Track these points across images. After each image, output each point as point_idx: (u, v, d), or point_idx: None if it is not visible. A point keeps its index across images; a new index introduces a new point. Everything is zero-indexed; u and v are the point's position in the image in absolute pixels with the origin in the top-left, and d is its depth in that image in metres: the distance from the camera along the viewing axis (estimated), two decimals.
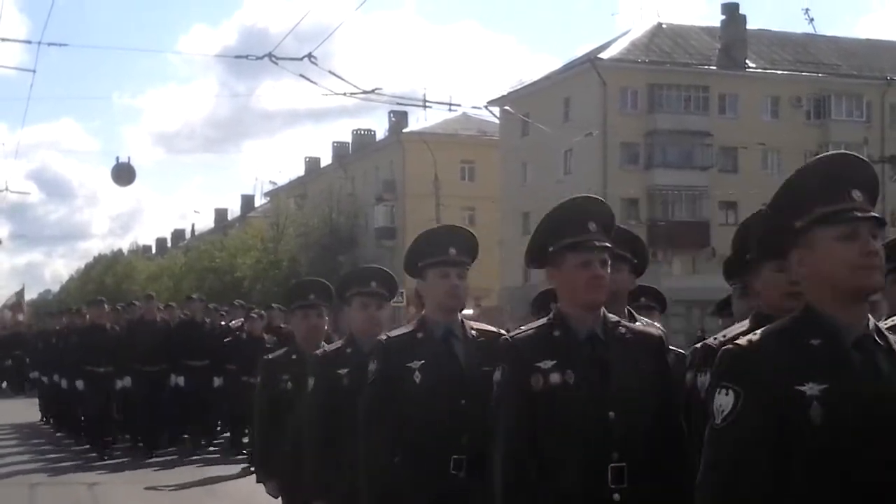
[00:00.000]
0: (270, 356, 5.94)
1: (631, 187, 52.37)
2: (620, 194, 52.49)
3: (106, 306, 16.15)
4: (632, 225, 53.51)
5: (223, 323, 16.03)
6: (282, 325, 15.46)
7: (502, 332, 4.43)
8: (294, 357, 5.82)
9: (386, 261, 65.96)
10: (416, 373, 4.25)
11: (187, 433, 15.54)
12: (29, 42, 48.23)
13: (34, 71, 23.27)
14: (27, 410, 22.20)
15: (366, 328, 5.23)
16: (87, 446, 15.68)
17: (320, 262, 63.16)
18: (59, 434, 18.33)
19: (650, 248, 60.20)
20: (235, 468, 13.81)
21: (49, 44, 21.74)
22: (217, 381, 14.63)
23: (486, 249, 66.06)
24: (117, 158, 35.63)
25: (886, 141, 56.09)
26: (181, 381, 14.73)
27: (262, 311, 15.12)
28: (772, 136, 53.93)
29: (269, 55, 20.83)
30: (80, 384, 14.77)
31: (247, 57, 21.97)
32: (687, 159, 53.55)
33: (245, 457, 13.91)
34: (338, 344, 5.36)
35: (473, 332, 4.44)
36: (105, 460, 14.61)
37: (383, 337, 4.52)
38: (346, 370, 4.98)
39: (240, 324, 15.30)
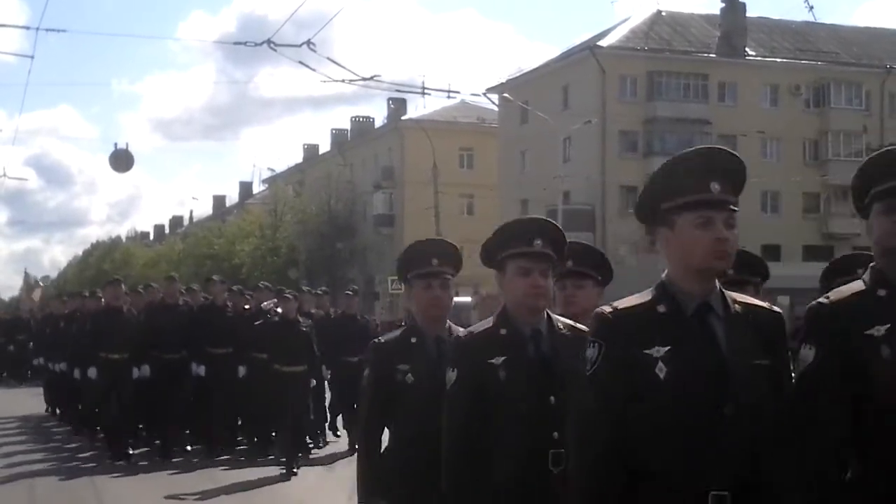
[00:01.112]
0: (382, 339, 4.83)
1: (629, 175, 52.26)
2: (619, 182, 52.50)
3: (123, 287, 14.45)
4: (631, 213, 53.46)
5: (247, 307, 14.34)
6: (312, 311, 14.63)
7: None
8: (414, 340, 4.70)
9: (384, 248, 66.06)
10: (500, 370, 3.92)
11: (210, 430, 13.89)
12: (27, 28, 48.29)
13: (32, 57, 23.27)
14: (30, 400, 20.84)
15: (430, 313, 4.74)
16: (99, 443, 14.30)
17: (318, 249, 63.19)
18: (67, 427, 16.83)
19: (649, 236, 59.86)
20: (267, 471, 12.41)
21: (47, 30, 21.80)
22: (242, 371, 13.28)
23: (485, 236, 66.19)
24: (115, 145, 35.63)
25: (885, 129, 56.06)
26: (202, 370, 13.32)
27: (295, 292, 13.81)
28: (771, 124, 53.89)
29: (268, 42, 20.78)
30: (92, 372, 13.24)
31: (245, 44, 21.93)
32: (686, 147, 51.85)
33: (274, 458, 12.92)
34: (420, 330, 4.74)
35: (561, 327, 4.17)
36: (120, 461, 13.02)
37: (462, 333, 4.20)
38: (406, 365, 4.57)
39: (271, 306, 13.79)
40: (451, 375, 3.93)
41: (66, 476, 12.42)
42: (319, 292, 16.17)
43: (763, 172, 53.19)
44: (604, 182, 52.10)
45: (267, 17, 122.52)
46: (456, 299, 12.03)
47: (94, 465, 13.17)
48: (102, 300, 14.69)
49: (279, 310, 13.14)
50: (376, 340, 4.74)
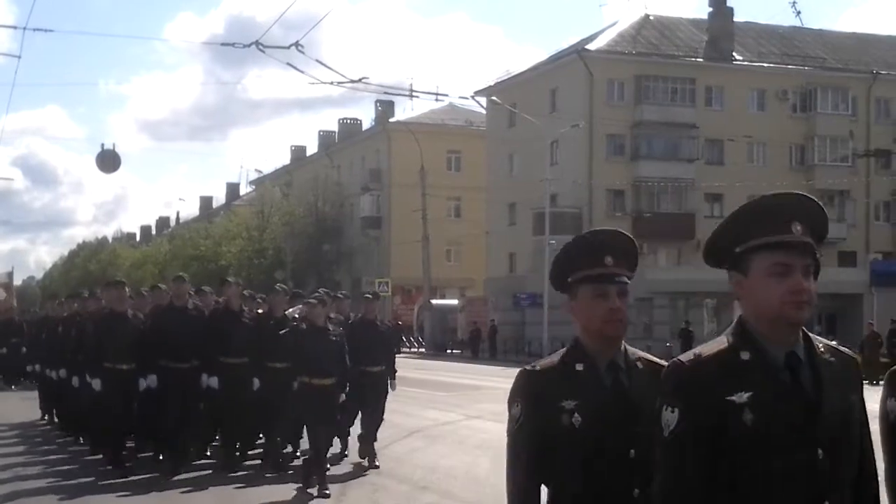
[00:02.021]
0: (537, 366, 3.53)
1: (617, 179, 52.42)
2: (606, 186, 52.59)
3: (127, 289, 12.94)
4: (617, 217, 53.68)
5: (260, 311, 13.00)
6: (331, 315, 12.75)
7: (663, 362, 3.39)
8: (580, 368, 3.48)
9: (371, 250, 66.08)
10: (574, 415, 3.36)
11: (222, 445, 12.73)
12: (14, 28, 48.31)
13: (19, 57, 23.30)
14: (22, 405, 19.64)
15: (606, 329, 3.48)
16: (100, 456, 12.80)
17: (305, 250, 63.16)
18: (66, 437, 15.41)
19: (635, 239, 59.73)
20: (283, 490, 11.13)
21: (34, 29, 21.76)
22: (256, 384, 12.00)
23: (472, 239, 65.36)
24: (102, 145, 35.45)
25: (872, 134, 56.32)
26: (214, 382, 12.01)
27: (324, 297, 11.89)
28: (758, 128, 54.08)
29: (256, 43, 20.82)
30: (96, 384, 11.90)
31: (234, 45, 21.97)
32: (673, 151, 53.61)
33: (293, 473, 11.71)
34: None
35: (638, 363, 3.56)
36: (125, 476, 11.64)
37: (685, 358, 3.02)
38: (572, 402, 3.39)
39: (297, 312, 12.40)
40: (671, 416, 2.89)
41: (67, 495, 10.88)
42: (340, 296, 14.80)
43: (749, 177, 53.39)
44: (591, 185, 52.18)
45: (255, 19, 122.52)
46: (441, 301, 11.74)
47: (93, 479, 11.81)
48: (103, 302, 13.64)
49: (296, 314, 12.08)
50: (528, 368, 3.54)
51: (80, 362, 13.10)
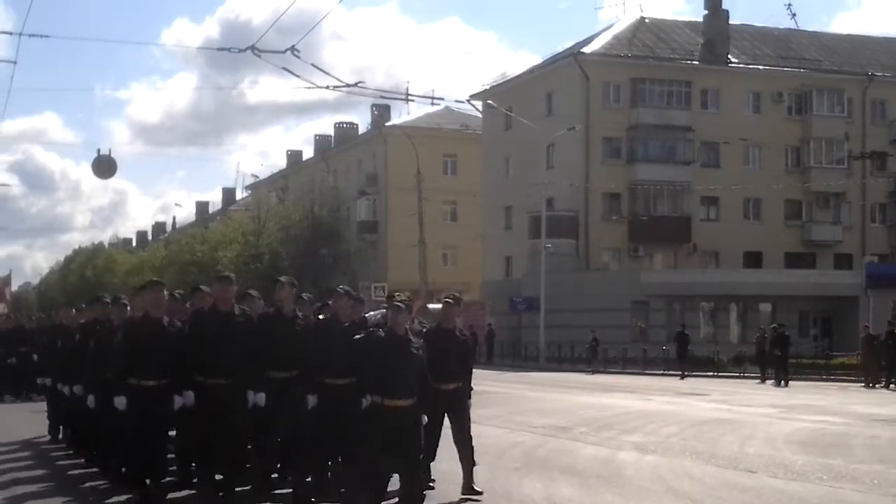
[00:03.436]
0: None
1: (613, 182, 52.43)
2: (602, 189, 52.61)
3: (165, 292, 10.85)
4: (613, 220, 53.73)
5: (321, 316, 11.09)
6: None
7: None
8: None
9: (368, 254, 66.02)
10: None
11: (272, 472, 10.92)
12: (10, 33, 47.99)
13: (15, 62, 23.24)
14: (31, 419, 18.14)
15: None
16: (124, 485, 10.80)
17: (302, 255, 63.04)
18: (71, 461, 13.53)
19: (631, 242, 60.52)
20: None
21: (31, 35, 21.71)
22: (312, 401, 10.10)
23: (468, 243, 65.42)
24: (98, 151, 35.29)
25: (867, 136, 56.39)
26: (261, 399, 10.23)
27: (408, 300, 10.18)
28: (753, 131, 54.14)
29: (252, 48, 20.80)
30: (120, 402, 9.98)
31: (229, 50, 21.94)
32: (669, 154, 53.62)
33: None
34: None
35: None
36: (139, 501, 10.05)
37: None
38: None
39: (378, 318, 10.91)
40: None
41: None
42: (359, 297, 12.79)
43: (745, 179, 53.50)
44: (587, 188, 52.19)
45: (251, 24, 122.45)
46: (438, 305, 11.13)
47: None
48: (128, 308, 11.97)
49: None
50: None
51: (100, 377, 11.44)
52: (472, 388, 10.96)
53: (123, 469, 10.85)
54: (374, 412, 9.08)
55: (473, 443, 10.70)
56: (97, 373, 11.61)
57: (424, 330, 10.92)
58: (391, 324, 9.35)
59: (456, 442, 10.77)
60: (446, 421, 10.61)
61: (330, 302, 10.99)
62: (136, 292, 11.85)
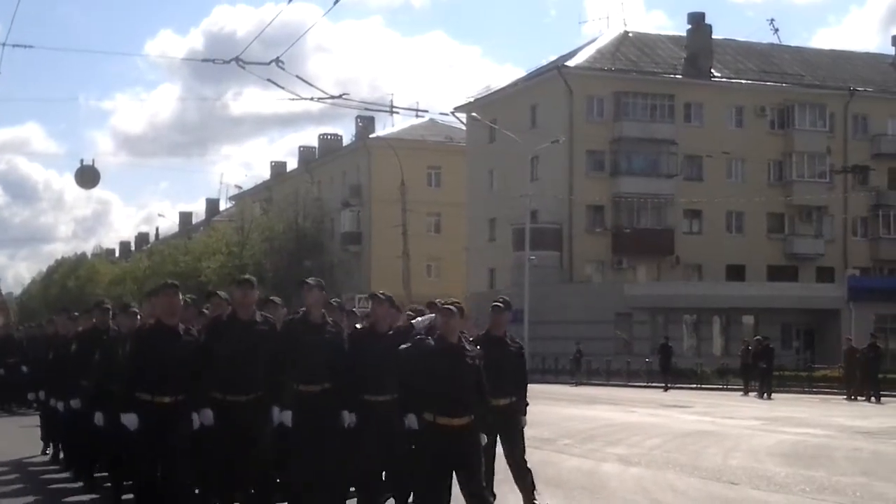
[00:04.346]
0: None
1: (596, 194, 52.58)
2: (586, 201, 52.76)
3: (181, 296, 9.45)
4: (597, 232, 53.86)
5: (359, 326, 10.21)
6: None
7: None
8: None
9: (352, 266, 65.99)
10: None
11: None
12: None
13: None
14: (20, 435, 16.98)
15: None
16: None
17: (286, 266, 62.97)
18: (78, 483, 12.01)
19: (615, 255, 60.34)
20: None
21: (14, 45, 21.62)
22: (349, 419, 9.21)
23: (452, 255, 65.28)
24: (81, 161, 35.14)
25: (849, 150, 56.74)
26: (288, 417, 9.09)
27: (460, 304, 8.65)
28: (736, 144, 54.39)
29: (237, 59, 20.82)
30: (131, 420, 8.72)
31: (214, 61, 22.00)
32: (652, 167, 53.81)
33: None
34: None
35: None
36: None
37: None
38: None
39: (426, 322, 9.75)
40: None
41: None
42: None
43: (728, 193, 53.74)
44: (571, 201, 52.31)
45: (235, 36, 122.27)
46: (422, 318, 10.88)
47: None
48: (138, 316, 10.77)
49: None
50: None
51: (103, 391, 10.35)
52: (527, 404, 9.73)
53: (132, 496, 9.42)
54: (427, 432, 7.88)
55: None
56: (102, 387, 10.46)
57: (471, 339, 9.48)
58: (442, 330, 8.14)
59: (510, 465, 9.58)
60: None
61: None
62: (145, 297, 10.96)
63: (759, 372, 34.70)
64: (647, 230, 53.08)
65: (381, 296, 9.89)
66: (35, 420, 16.15)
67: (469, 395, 7.93)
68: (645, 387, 38.90)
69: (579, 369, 42.97)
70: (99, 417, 10.31)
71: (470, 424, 7.90)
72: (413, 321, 9.90)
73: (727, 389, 37.28)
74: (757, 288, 51.82)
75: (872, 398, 31.51)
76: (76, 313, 14.18)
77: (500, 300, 9.77)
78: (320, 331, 9.37)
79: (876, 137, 57.87)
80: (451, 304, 8.22)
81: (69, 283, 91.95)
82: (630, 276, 53.51)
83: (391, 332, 9.47)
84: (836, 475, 13.15)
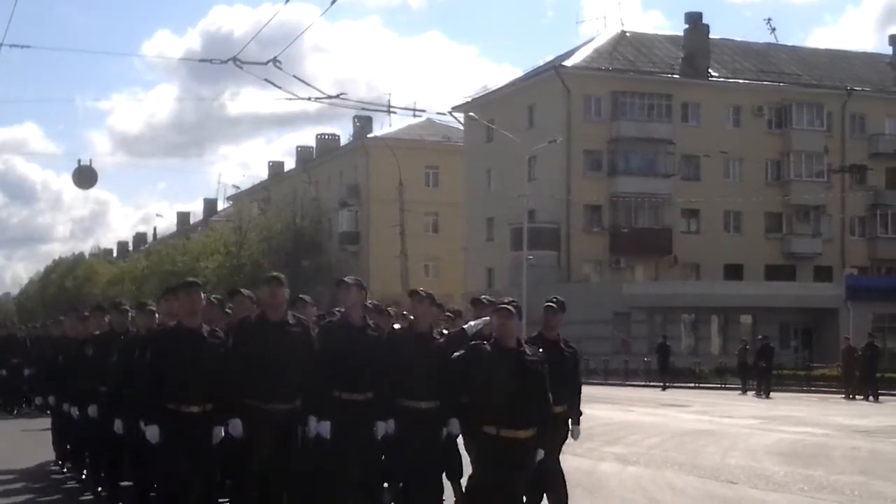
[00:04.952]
0: None
1: (594, 194, 52.57)
2: (584, 201, 52.75)
3: (203, 295, 8.61)
4: (595, 232, 53.85)
5: (397, 326, 9.51)
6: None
7: None
8: None
9: (349, 265, 65.95)
10: None
11: None
12: None
13: None
14: (24, 440, 16.22)
15: None
16: None
17: (283, 266, 62.92)
18: (97, 492, 11.21)
19: (613, 254, 60.35)
20: None
21: (11, 45, 21.57)
22: (384, 428, 8.47)
23: (450, 255, 65.22)
24: (79, 161, 35.05)
25: (846, 150, 56.77)
26: (325, 428, 8.26)
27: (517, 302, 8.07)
28: (734, 144, 54.39)
29: (234, 59, 20.78)
30: (153, 433, 7.92)
31: (211, 61, 21.93)
32: (650, 167, 53.81)
33: None
34: None
35: None
36: None
37: None
38: None
39: (479, 326, 9.04)
40: None
41: None
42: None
43: (725, 192, 53.74)
44: (568, 200, 52.32)
45: (232, 36, 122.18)
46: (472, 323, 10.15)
47: None
48: (157, 316, 9.91)
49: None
50: None
51: (122, 397, 9.63)
52: (581, 413, 9.00)
53: None
54: (490, 447, 7.21)
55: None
56: (121, 393, 9.72)
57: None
58: (498, 333, 7.44)
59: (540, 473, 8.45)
60: None
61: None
62: (163, 296, 9.91)
63: (759, 371, 34.72)
64: (644, 230, 53.08)
65: (422, 293, 9.06)
66: (38, 424, 15.48)
67: (533, 405, 7.27)
68: (643, 386, 38.91)
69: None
70: (118, 425, 9.67)
71: (533, 438, 7.30)
72: (465, 326, 9.13)
73: (725, 388, 37.29)
74: (755, 287, 51.83)
75: (870, 397, 31.54)
76: (86, 313, 13.42)
77: (554, 300, 8.89)
78: (361, 334, 8.59)
79: (873, 137, 57.90)
80: (508, 303, 7.51)
81: (67, 283, 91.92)
82: (628, 276, 53.51)
83: (441, 339, 8.80)
84: (834, 474, 13.16)
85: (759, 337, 37.53)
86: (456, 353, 7.75)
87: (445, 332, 9.20)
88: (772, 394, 33.30)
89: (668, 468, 13.58)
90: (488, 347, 7.41)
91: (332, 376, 8.34)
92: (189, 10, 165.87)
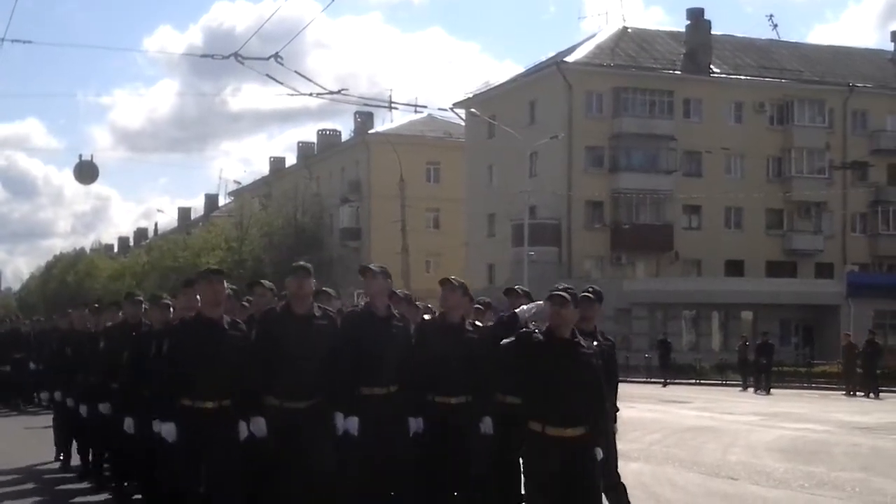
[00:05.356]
0: None
1: (595, 190, 52.55)
2: (585, 197, 52.72)
3: (225, 283, 7.95)
4: (596, 228, 53.83)
5: (427, 317, 9.01)
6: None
7: None
8: None
9: (350, 261, 65.94)
10: None
11: None
12: None
13: None
14: (27, 437, 16.00)
15: None
16: None
17: (285, 262, 62.95)
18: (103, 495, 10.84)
19: (614, 250, 60.36)
20: None
21: (13, 40, 21.64)
22: (415, 425, 8.11)
23: (451, 251, 65.32)
24: (80, 156, 35.12)
25: (848, 146, 56.73)
26: (353, 424, 7.82)
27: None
28: (735, 140, 54.33)
29: (236, 55, 20.77)
30: (169, 430, 7.47)
31: (213, 56, 21.91)
32: (651, 163, 53.78)
33: None
34: None
35: None
36: None
37: None
38: None
39: (533, 310, 8.14)
40: None
41: None
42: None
43: (727, 188, 53.70)
44: (570, 197, 52.30)
45: (234, 32, 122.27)
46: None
47: None
48: (172, 310, 9.53)
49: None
50: None
51: (135, 395, 9.21)
52: (618, 409, 8.80)
53: None
54: (535, 445, 6.64)
55: None
56: (133, 390, 9.31)
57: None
58: (552, 322, 6.72)
59: None
60: None
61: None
62: (181, 286, 9.24)
63: (758, 367, 34.74)
64: (646, 226, 53.06)
65: (454, 281, 8.54)
66: (42, 421, 15.18)
67: (586, 401, 6.64)
68: (644, 382, 38.91)
69: None
70: (129, 424, 9.22)
71: (586, 437, 6.64)
72: (518, 310, 8.19)
73: (726, 385, 37.31)
74: (756, 284, 51.83)
75: (871, 394, 31.55)
76: (96, 305, 13.13)
77: (591, 289, 8.45)
78: (386, 325, 8.13)
79: (875, 133, 57.86)
80: (564, 289, 6.83)
81: (68, 278, 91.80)
82: (629, 272, 53.49)
83: (491, 325, 8.27)
84: (835, 471, 13.17)
85: (763, 333, 37.59)
86: (505, 340, 7.03)
87: (479, 323, 8.72)
88: (773, 390, 33.31)
89: (669, 464, 13.59)
90: (540, 336, 6.74)
91: (356, 370, 7.90)
92: (191, 5, 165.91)
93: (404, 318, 8.44)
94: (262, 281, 9.36)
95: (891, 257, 57.59)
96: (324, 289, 9.29)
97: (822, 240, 56.49)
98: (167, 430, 7.45)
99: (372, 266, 8.37)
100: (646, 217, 53.59)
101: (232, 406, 7.51)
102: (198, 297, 7.95)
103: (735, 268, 54.86)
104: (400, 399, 8.00)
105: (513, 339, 6.90)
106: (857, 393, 32.19)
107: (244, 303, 9.38)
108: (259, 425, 7.54)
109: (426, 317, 8.96)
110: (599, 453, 6.83)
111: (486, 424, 7.82)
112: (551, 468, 6.51)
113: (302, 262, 8.33)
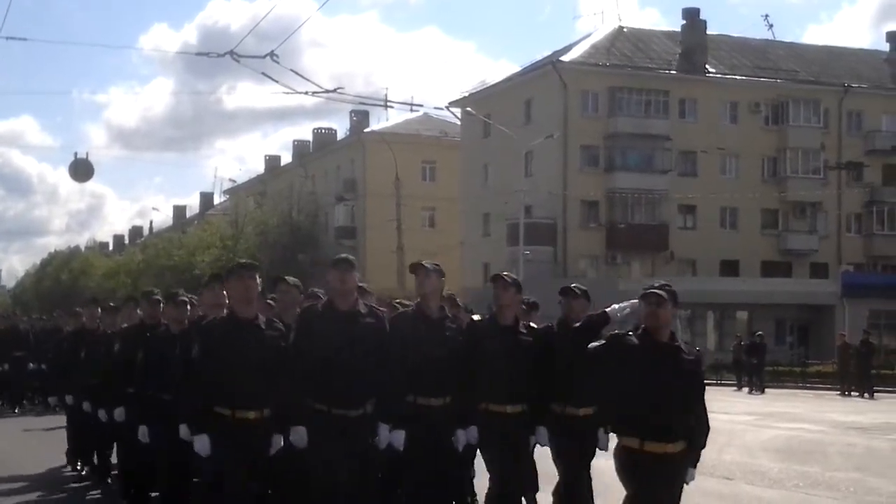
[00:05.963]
0: None
1: (591, 190, 52.55)
2: (580, 197, 52.74)
3: (258, 279, 7.14)
4: (591, 228, 53.84)
5: (476, 317, 8.46)
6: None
7: None
8: None
9: None
10: None
11: None
12: None
13: None
14: (27, 440, 15.54)
15: None
16: None
17: (280, 260, 62.91)
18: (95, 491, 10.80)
19: (609, 250, 60.37)
20: None
21: (9, 38, 21.58)
22: (463, 437, 7.49)
23: (447, 250, 65.43)
24: (75, 154, 35.10)
25: (843, 146, 56.78)
26: (398, 437, 7.21)
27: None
28: (730, 140, 54.38)
29: (231, 53, 20.74)
30: (203, 444, 6.76)
31: (208, 54, 21.88)
32: (646, 163, 53.80)
33: None
34: None
35: None
36: None
37: None
38: None
39: (627, 309, 6.92)
40: None
41: None
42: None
43: (722, 188, 53.73)
44: (565, 196, 52.30)
45: (229, 30, 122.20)
46: None
47: None
48: (199, 311, 8.91)
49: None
50: None
51: (150, 400, 8.67)
52: None
53: None
54: (633, 463, 6.08)
55: None
56: (148, 395, 8.78)
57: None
58: (648, 324, 6.07)
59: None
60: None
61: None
62: (207, 284, 8.63)
63: (750, 367, 34.80)
64: (641, 226, 53.09)
65: (507, 278, 7.77)
66: (42, 423, 15.02)
67: (687, 413, 6.10)
68: None
69: None
70: (144, 432, 8.65)
71: (683, 453, 6.12)
72: (608, 309, 7.05)
73: (721, 385, 37.31)
74: (751, 283, 51.86)
75: (866, 394, 31.59)
76: (111, 303, 12.61)
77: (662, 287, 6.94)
78: (439, 328, 7.40)
79: (870, 134, 57.91)
80: (660, 286, 6.17)
81: (63, 276, 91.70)
82: (624, 272, 53.48)
83: (579, 324, 7.23)
84: (830, 470, 13.17)
85: (757, 333, 37.63)
86: (593, 344, 6.40)
87: (533, 325, 8.10)
88: (767, 390, 33.35)
89: None
90: (635, 340, 6.05)
91: (408, 377, 7.14)
92: (186, 3, 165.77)
93: (457, 320, 7.78)
94: (287, 277, 8.62)
95: (885, 257, 57.66)
96: (359, 285, 8.00)
97: (817, 240, 56.55)
98: (200, 443, 6.72)
99: (425, 263, 7.67)
100: (641, 217, 53.60)
101: (275, 415, 6.88)
102: (225, 293, 7.34)
103: (730, 268, 54.89)
104: (453, 410, 7.35)
105: (602, 342, 6.30)
106: (852, 393, 32.22)
107: (269, 300, 8.78)
108: (300, 435, 6.87)
109: (475, 317, 8.34)
110: (693, 475, 6.32)
111: (541, 435, 7.36)
112: (657, 490, 5.98)
113: (344, 255, 7.58)
